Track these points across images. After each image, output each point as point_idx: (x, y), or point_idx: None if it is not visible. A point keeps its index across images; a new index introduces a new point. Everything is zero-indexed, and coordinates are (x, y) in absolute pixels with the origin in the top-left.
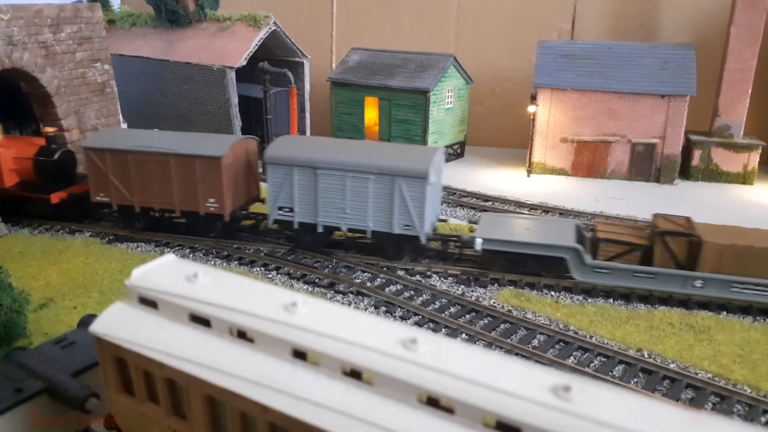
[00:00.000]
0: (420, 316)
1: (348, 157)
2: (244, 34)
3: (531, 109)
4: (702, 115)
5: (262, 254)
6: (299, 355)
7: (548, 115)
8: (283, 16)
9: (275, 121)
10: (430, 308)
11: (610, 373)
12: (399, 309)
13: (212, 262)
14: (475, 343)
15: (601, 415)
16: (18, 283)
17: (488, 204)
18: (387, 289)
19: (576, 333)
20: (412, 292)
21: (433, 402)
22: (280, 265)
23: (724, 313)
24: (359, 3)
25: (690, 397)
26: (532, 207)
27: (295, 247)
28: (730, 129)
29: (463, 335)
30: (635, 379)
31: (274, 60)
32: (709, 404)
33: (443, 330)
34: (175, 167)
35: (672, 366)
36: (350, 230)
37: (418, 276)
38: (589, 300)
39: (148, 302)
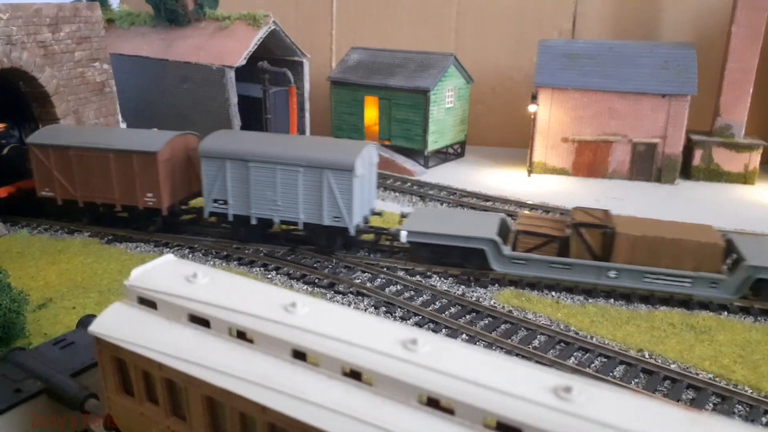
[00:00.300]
0: (420, 317)
1: (278, 150)
2: (244, 34)
3: (532, 108)
4: (703, 114)
5: (262, 254)
6: (299, 355)
7: (549, 115)
8: (283, 15)
9: (275, 121)
10: (430, 308)
11: (611, 374)
12: (399, 309)
13: (212, 262)
14: (475, 343)
15: (602, 415)
16: (17, 283)
17: (488, 204)
18: (387, 290)
19: (577, 333)
20: (413, 293)
21: (433, 403)
22: (279, 266)
23: (726, 313)
24: (359, 2)
25: (691, 397)
26: (533, 207)
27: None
28: (732, 129)
29: (464, 336)
30: (636, 380)
31: (273, 59)
32: (710, 405)
33: (443, 330)
34: (114, 163)
35: (673, 366)
36: (283, 222)
37: (418, 276)
38: (590, 300)
39: (148, 302)
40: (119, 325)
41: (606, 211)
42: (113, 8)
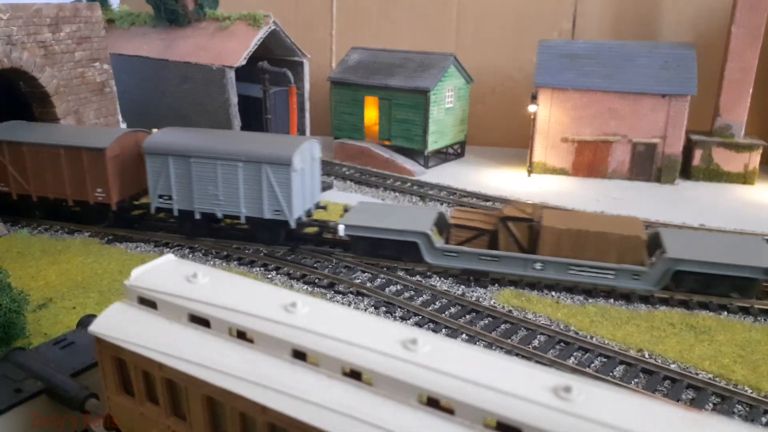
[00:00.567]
0: (420, 317)
1: (218, 146)
2: (244, 34)
3: (532, 108)
4: (703, 114)
5: (262, 254)
6: (299, 355)
7: (549, 115)
8: (283, 16)
9: (275, 121)
10: (430, 308)
11: (611, 374)
12: (399, 309)
13: (212, 263)
14: (475, 343)
15: (602, 415)
16: (17, 283)
17: (488, 204)
18: (387, 290)
19: (576, 333)
20: (412, 293)
21: (433, 403)
22: (279, 266)
23: (725, 313)
24: (359, 2)
25: (691, 397)
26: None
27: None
28: (731, 129)
29: (464, 335)
30: (636, 380)
31: (273, 59)
32: (710, 405)
33: (443, 330)
34: (65, 158)
35: (673, 366)
36: (225, 216)
37: (418, 276)
38: (590, 300)
39: (148, 302)
40: (119, 325)
41: (535, 205)
42: (113, 8)
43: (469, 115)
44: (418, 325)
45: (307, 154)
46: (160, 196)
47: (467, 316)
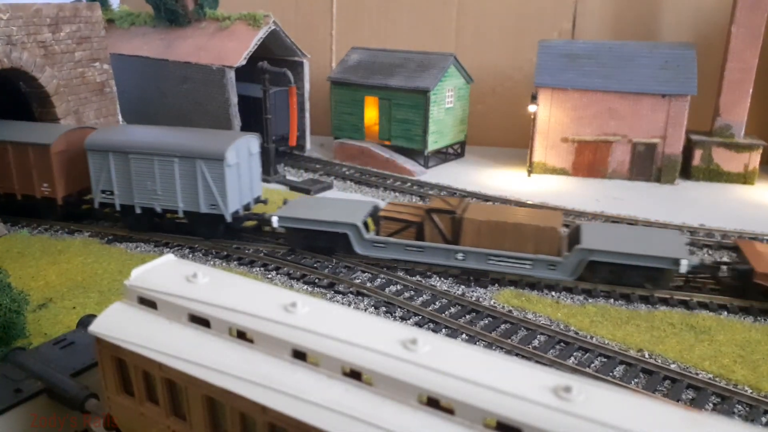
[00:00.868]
0: (420, 317)
1: (155, 142)
2: (244, 34)
3: (531, 108)
4: (703, 114)
5: (262, 254)
6: (299, 355)
7: (549, 115)
8: (283, 16)
9: (275, 121)
10: (430, 308)
11: (611, 374)
12: (399, 309)
13: (212, 262)
14: (475, 343)
15: (602, 415)
16: (17, 283)
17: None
18: (387, 290)
19: (576, 333)
20: (412, 292)
21: (433, 403)
22: (279, 266)
23: (725, 313)
24: (359, 2)
25: (691, 397)
26: (532, 207)
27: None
28: (731, 129)
29: (464, 335)
30: (636, 380)
31: (273, 59)
32: (710, 405)
33: (443, 330)
34: (13, 154)
35: (673, 366)
36: (164, 210)
37: (418, 276)
38: (590, 300)
39: (148, 302)
40: (119, 325)
41: (461, 199)
42: (113, 8)
43: (469, 115)
44: (418, 325)
45: (243, 150)
46: (103, 192)
47: (467, 316)
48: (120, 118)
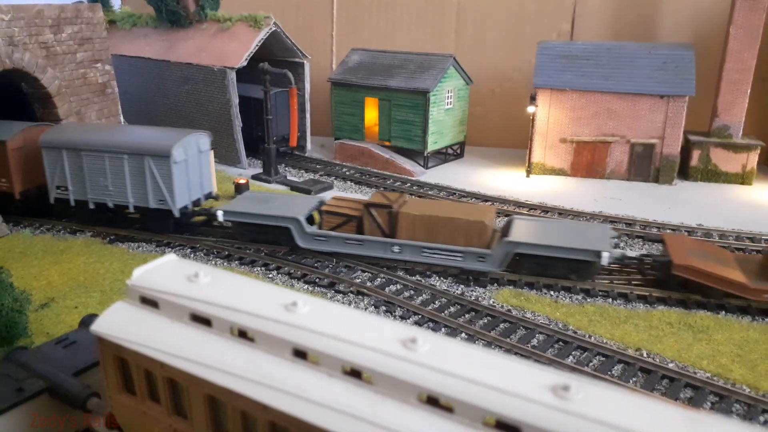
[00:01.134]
0: (420, 316)
1: (106, 139)
2: (245, 35)
3: (530, 109)
4: (701, 115)
5: (263, 254)
6: (300, 354)
7: (548, 116)
8: (284, 17)
9: (276, 122)
10: (429, 308)
11: (609, 373)
12: (399, 308)
13: (213, 262)
14: (474, 342)
15: (600, 414)
16: (19, 283)
17: (487, 204)
18: (387, 289)
19: (575, 332)
20: (412, 292)
21: (432, 401)
22: (280, 265)
23: (723, 312)
24: (359, 3)
25: (689, 396)
26: (531, 207)
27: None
28: (729, 129)
29: (463, 334)
30: (634, 379)
31: (274, 60)
32: (708, 403)
33: (443, 329)
34: None
35: (671, 365)
36: (116, 206)
37: (418, 276)
38: (588, 300)
39: (150, 302)
40: (121, 324)
41: (400, 194)
42: (115, 9)
43: (469, 116)
44: (418, 324)
45: (192, 147)
46: (58, 187)
47: (466, 315)
48: (122, 118)
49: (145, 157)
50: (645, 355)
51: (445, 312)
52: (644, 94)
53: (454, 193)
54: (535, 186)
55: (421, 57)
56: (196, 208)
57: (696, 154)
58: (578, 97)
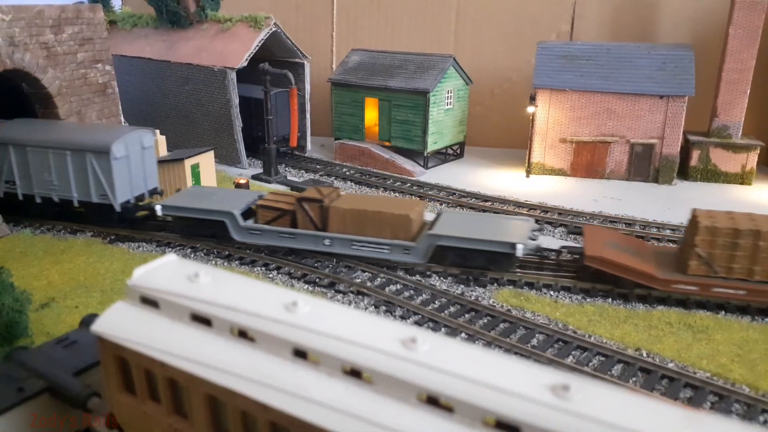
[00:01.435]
0: (420, 316)
1: (50, 136)
2: (245, 35)
3: (530, 109)
4: (700, 115)
5: (263, 254)
6: (300, 354)
7: (547, 116)
8: (284, 17)
9: (276, 122)
10: (429, 307)
11: (609, 372)
12: (399, 308)
13: (213, 262)
14: (474, 342)
15: (600, 414)
16: (20, 282)
17: (487, 204)
18: (387, 289)
19: (575, 332)
20: (412, 292)
21: (432, 401)
22: (280, 265)
23: (723, 312)
24: (359, 4)
25: (688, 396)
26: (531, 207)
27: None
28: (729, 129)
29: (463, 334)
30: (634, 378)
31: (274, 61)
32: (708, 403)
33: (443, 329)
34: None
35: (670, 365)
36: (61, 200)
37: (417, 276)
38: (588, 299)
39: (150, 302)
40: (122, 324)
41: (334, 189)
42: (115, 10)
43: (468, 116)
44: (418, 324)
45: (134, 144)
46: (7, 182)
47: (466, 315)
48: (122, 118)
49: (86, 153)
50: (645, 354)
51: (445, 312)
52: (644, 94)
53: (454, 193)
54: (534, 186)
55: (420, 57)
56: (140, 203)
57: (695, 154)
58: (578, 97)
